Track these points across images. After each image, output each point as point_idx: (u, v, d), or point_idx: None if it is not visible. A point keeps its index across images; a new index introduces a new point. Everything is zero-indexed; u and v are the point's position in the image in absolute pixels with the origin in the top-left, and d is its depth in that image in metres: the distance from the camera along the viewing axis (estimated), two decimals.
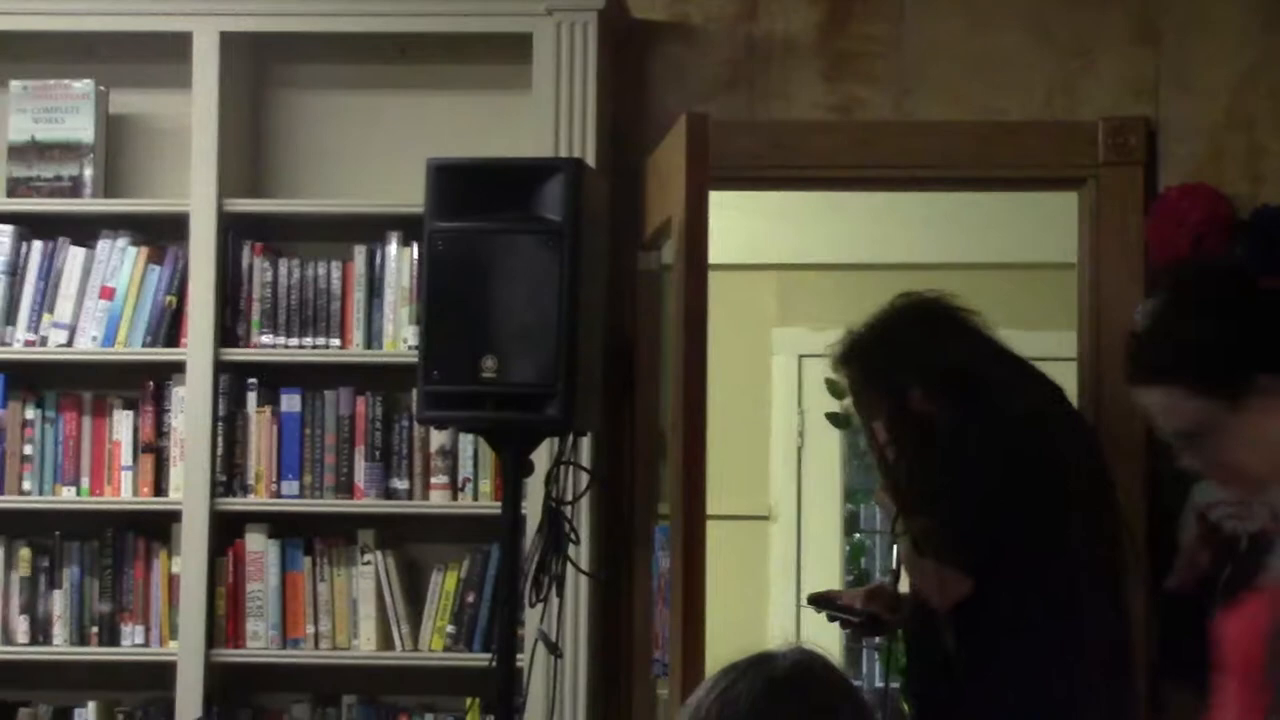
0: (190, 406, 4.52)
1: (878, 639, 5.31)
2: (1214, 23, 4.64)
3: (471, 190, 3.83)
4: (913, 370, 3.93)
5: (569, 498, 4.02)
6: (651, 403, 4.55)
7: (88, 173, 4.63)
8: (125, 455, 4.59)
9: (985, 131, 4.67)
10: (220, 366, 4.54)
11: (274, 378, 4.60)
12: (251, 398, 4.57)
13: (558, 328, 3.73)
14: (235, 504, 4.55)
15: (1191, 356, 2.68)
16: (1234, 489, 2.80)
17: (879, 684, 6.62)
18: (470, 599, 4.53)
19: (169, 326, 4.59)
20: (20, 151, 4.64)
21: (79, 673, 4.66)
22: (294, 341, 4.58)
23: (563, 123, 4.46)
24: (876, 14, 4.70)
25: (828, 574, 7.14)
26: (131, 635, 4.58)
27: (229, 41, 4.57)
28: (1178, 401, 2.69)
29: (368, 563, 4.54)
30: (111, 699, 4.64)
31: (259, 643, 4.54)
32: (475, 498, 4.52)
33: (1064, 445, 3.88)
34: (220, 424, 4.54)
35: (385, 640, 4.54)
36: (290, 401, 4.58)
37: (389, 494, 4.55)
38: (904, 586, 4.12)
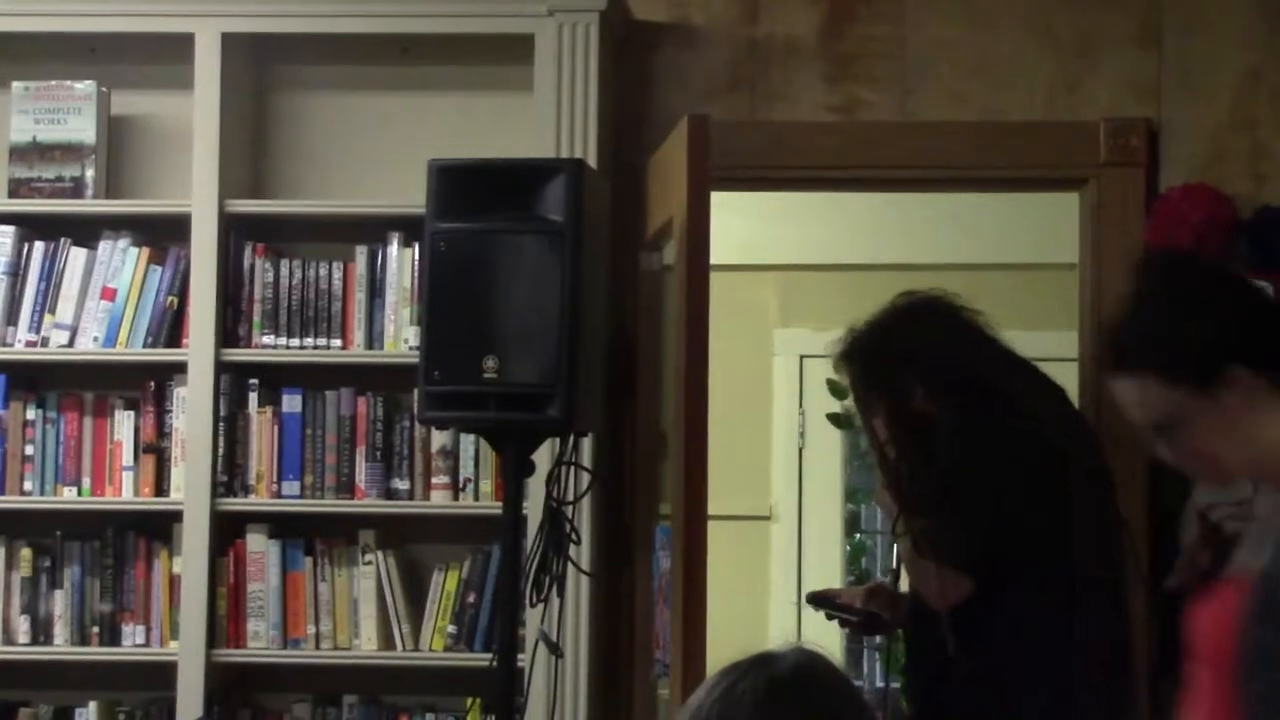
0: (191, 407, 4.52)
1: (878, 638, 5.32)
2: (1216, 23, 4.64)
3: (473, 191, 3.84)
4: (914, 369, 3.93)
5: (570, 498, 4.03)
6: (652, 403, 4.55)
7: (89, 174, 4.63)
8: (126, 455, 4.59)
9: (987, 132, 4.67)
10: (221, 367, 4.54)
11: (275, 378, 4.60)
12: (253, 398, 4.57)
13: (559, 328, 3.74)
14: (236, 504, 4.55)
15: (1165, 346, 2.68)
16: (1207, 481, 2.80)
17: (879, 684, 6.64)
18: (471, 599, 4.53)
19: (170, 327, 4.60)
20: (22, 152, 4.65)
21: (80, 673, 4.66)
22: (295, 342, 4.58)
23: (564, 123, 4.46)
24: (878, 15, 4.70)
25: (829, 574, 7.14)
26: (132, 635, 4.58)
27: (230, 42, 4.57)
28: (1151, 391, 2.69)
29: (369, 563, 4.54)
30: (112, 699, 4.64)
31: (260, 643, 4.54)
32: (476, 498, 4.52)
33: (1065, 446, 3.87)
34: (221, 424, 4.54)
35: (386, 640, 4.55)
36: (291, 402, 4.58)
37: (390, 494, 4.56)
38: (904, 586, 4.12)
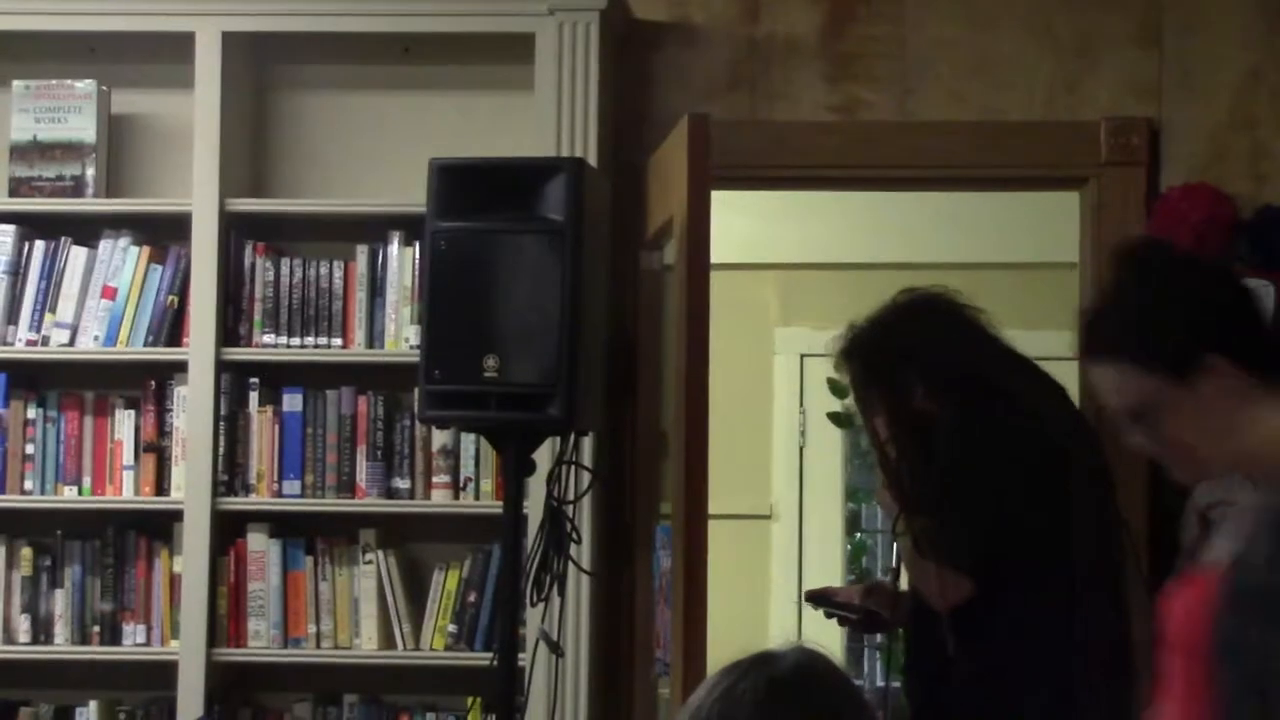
0: (192, 406, 4.52)
1: (878, 637, 5.32)
2: (1216, 23, 4.64)
3: (473, 190, 3.84)
4: (915, 367, 3.92)
5: (570, 497, 4.03)
6: (653, 402, 4.55)
7: (90, 172, 4.63)
8: (127, 455, 4.60)
9: (987, 131, 4.67)
10: (222, 366, 4.54)
11: (276, 377, 4.61)
12: (253, 397, 4.57)
13: (559, 327, 3.74)
14: (237, 503, 4.55)
15: (1143, 333, 2.68)
16: (1180, 471, 2.80)
17: (879, 683, 6.63)
18: (472, 598, 4.53)
19: (171, 326, 4.60)
20: (22, 151, 4.65)
21: (80, 672, 4.66)
22: (296, 341, 4.58)
23: (564, 123, 4.46)
24: (878, 15, 4.70)
25: (829, 573, 7.14)
26: (133, 635, 4.58)
27: (231, 41, 4.57)
28: (1126, 378, 2.69)
29: (369, 562, 4.54)
30: (113, 698, 4.64)
31: (260, 642, 4.54)
32: (477, 497, 4.52)
33: (1066, 445, 3.87)
34: (222, 423, 4.54)
35: (387, 639, 4.55)
36: (292, 401, 4.58)
37: (390, 493, 4.56)
38: (904, 585, 4.12)
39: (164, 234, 4.64)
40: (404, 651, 4.55)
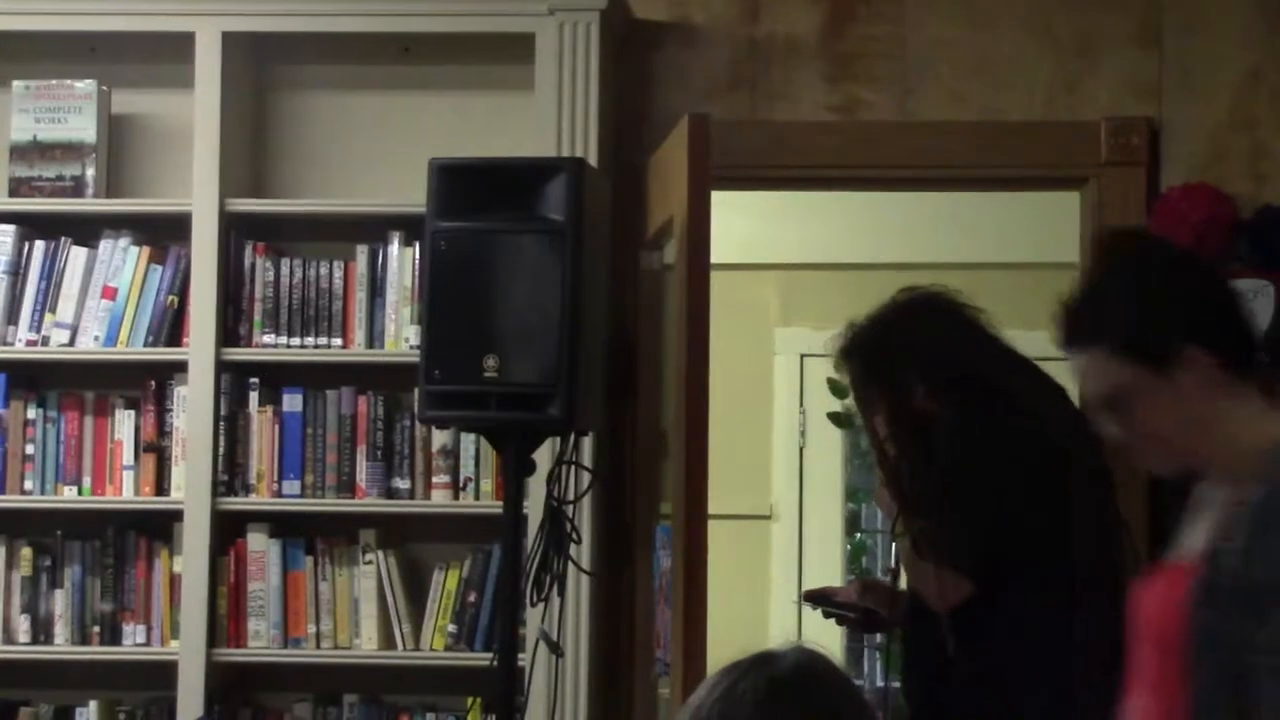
0: (192, 406, 4.52)
1: (878, 637, 5.31)
2: (1216, 23, 4.64)
3: (473, 190, 3.84)
4: (915, 366, 3.91)
5: (570, 497, 4.03)
6: (653, 402, 4.55)
7: (90, 173, 4.63)
8: (127, 455, 4.60)
9: (987, 132, 4.68)
10: (222, 366, 4.54)
11: (276, 377, 4.61)
12: (253, 397, 4.58)
13: (559, 327, 3.74)
14: (237, 503, 4.55)
15: (1121, 320, 2.69)
16: (1152, 461, 2.80)
17: (879, 683, 6.63)
18: (472, 598, 4.53)
19: (171, 326, 4.60)
20: (23, 151, 4.65)
21: (80, 672, 4.66)
22: (296, 341, 4.58)
23: (565, 122, 4.46)
24: (878, 15, 4.71)
25: (829, 573, 7.13)
26: (133, 635, 4.58)
27: (231, 41, 4.57)
28: (1102, 365, 2.70)
29: (369, 562, 4.54)
30: (113, 698, 4.64)
31: (260, 642, 4.54)
32: (477, 497, 4.52)
33: (1066, 445, 3.87)
34: (222, 423, 4.54)
35: (387, 639, 4.55)
36: (292, 401, 4.58)
37: (390, 493, 4.56)
38: (903, 585, 4.11)
39: (164, 234, 4.64)
40: (404, 651, 4.55)
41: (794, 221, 6.86)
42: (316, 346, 4.58)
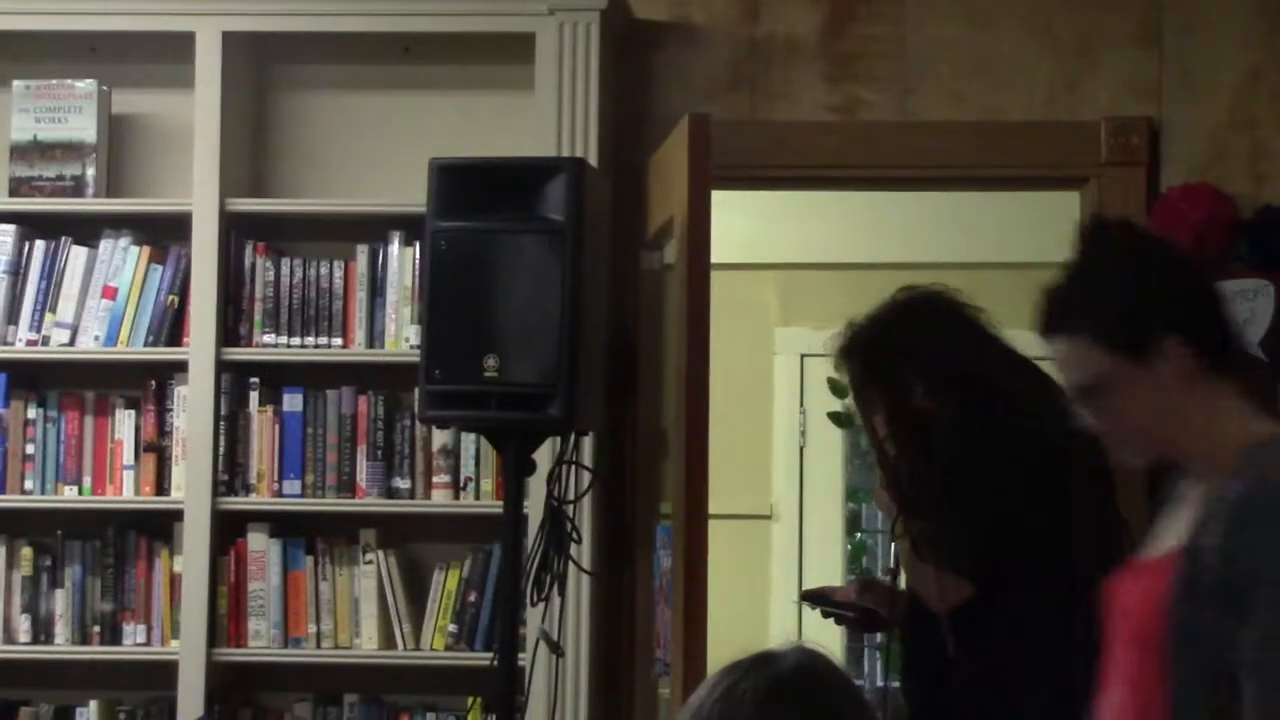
0: (192, 406, 4.53)
1: (878, 637, 5.31)
2: (1216, 23, 4.64)
3: (474, 190, 3.84)
4: (914, 365, 3.91)
5: (570, 497, 4.03)
6: (653, 402, 4.55)
7: (90, 172, 4.63)
8: (127, 454, 4.60)
9: (987, 132, 4.68)
10: (222, 366, 4.54)
11: (276, 377, 4.61)
12: (253, 397, 4.58)
13: (560, 327, 3.74)
14: (237, 503, 4.55)
15: (1102, 308, 2.69)
16: (1128, 451, 2.80)
17: (879, 683, 6.63)
18: (472, 598, 4.53)
19: (171, 326, 4.60)
20: (23, 151, 4.65)
21: (81, 672, 4.66)
22: (296, 341, 4.58)
23: (565, 122, 4.46)
24: (878, 15, 4.71)
25: (829, 573, 7.13)
26: (133, 634, 4.58)
27: (231, 41, 4.58)
28: (1083, 354, 2.70)
29: (369, 562, 4.54)
30: (113, 698, 4.64)
31: (261, 642, 4.54)
32: (477, 497, 4.52)
33: (1066, 445, 3.87)
34: (222, 423, 4.55)
35: (387, 639, 4.55)
36: (292, 401, 4.58)
37: (391, 493, 4.56)
38: (903, 585, 4.11)
39: (164, 234, 4.64)
40: (404, 651, 4.55)
41: (794, 221, 6.86)
42: (317, 346, 4.58)
